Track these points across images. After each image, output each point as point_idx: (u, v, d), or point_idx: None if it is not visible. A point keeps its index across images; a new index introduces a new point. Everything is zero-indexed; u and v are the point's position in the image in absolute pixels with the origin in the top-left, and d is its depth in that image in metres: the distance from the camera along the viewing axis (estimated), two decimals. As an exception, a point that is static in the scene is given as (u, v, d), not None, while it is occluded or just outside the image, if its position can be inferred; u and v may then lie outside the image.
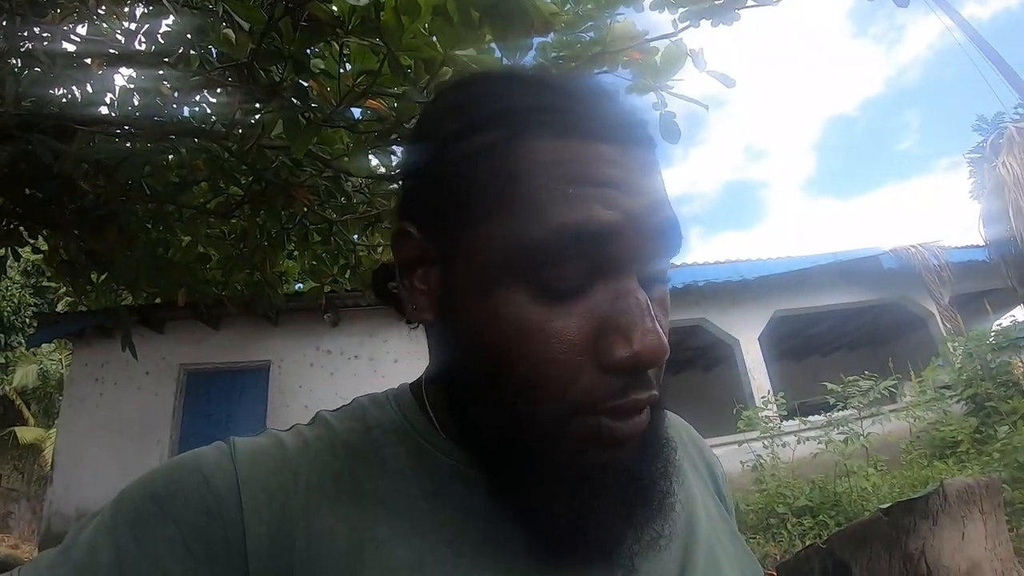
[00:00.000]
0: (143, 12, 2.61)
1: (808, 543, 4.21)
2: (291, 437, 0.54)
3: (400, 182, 0.55)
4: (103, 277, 3.76)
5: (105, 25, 2.78)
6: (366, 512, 0.49)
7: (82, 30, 2.73)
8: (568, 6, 1.96)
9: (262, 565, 0.46)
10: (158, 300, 4.65)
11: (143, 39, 2.56)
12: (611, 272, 0.45)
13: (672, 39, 1.95)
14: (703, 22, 1.88)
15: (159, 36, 2.50)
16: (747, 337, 9.75)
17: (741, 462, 6.49)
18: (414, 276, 0.51)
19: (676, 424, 0.71)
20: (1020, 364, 6.47)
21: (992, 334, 7.35)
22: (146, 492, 0.48)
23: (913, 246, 10.59)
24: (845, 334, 12.92)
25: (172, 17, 2.26)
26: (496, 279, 0.45)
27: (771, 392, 8.82)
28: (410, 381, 0.60)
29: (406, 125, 2.12)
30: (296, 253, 3.91)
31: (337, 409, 0.58)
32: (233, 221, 3.52)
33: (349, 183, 3.12)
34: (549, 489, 0.46)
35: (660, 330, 0.44)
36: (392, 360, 8.20)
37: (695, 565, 0.54)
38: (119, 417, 7.55)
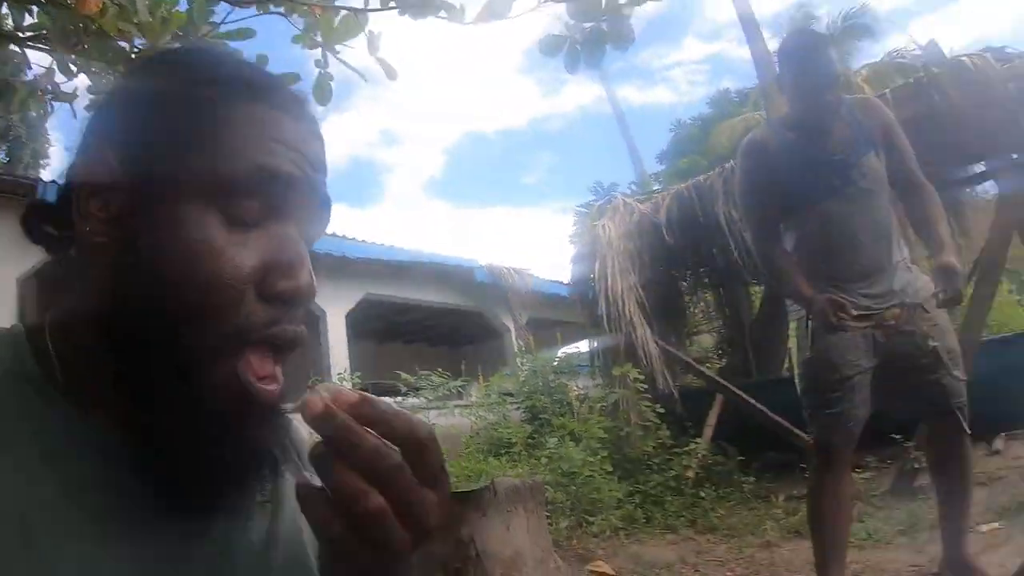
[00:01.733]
0: None
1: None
2: None
3: (98, 115, 0.59)
4: None
5: None
6: None
7: None
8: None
9: None
10: None
11: None
12: (281, 217, 0.53)
13: (358, 12, 1.95)
14: (393, 8, 1.91)
15: None
16: (335, 311, 9.83)
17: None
18: (92, 201, 0.52)
19: None
20: (575, 388, 7.32)
21: (557, 358, 8.34)
22: None
23: (507, 267, 11.77)
24: (428, 328, 13.69)
25: None
26: (193, 206, 0.50)
27: (348, 369, 8.99)
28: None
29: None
30: None
31: None
32: None
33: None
34: (186, 433, 0.49)
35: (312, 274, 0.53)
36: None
37: (278, 536, 0.61)
38: None
